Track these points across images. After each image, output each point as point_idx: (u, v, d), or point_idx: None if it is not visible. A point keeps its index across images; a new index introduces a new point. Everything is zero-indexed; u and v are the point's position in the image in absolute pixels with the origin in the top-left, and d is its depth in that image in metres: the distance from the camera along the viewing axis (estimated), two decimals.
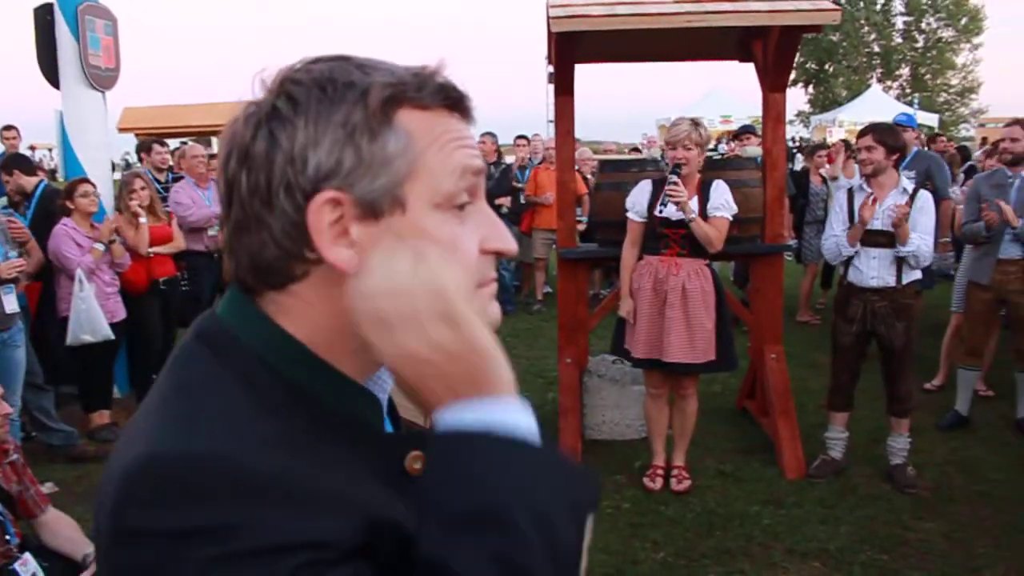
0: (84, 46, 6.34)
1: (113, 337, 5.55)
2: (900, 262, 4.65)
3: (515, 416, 0.81)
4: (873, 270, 4.70)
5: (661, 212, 4.49)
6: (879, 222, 4.67)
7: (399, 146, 0.83)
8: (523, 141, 10.42)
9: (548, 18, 4.81)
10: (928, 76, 42.42)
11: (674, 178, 4.44)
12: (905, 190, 4.69)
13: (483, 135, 9.88)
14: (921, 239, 4.58)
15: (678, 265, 4.57)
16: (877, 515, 4.49)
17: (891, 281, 4.68)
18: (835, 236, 4.85)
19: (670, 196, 4.40)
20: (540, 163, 10.12)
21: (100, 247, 5.54)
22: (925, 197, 4.72)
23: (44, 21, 6.32)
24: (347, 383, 0.89)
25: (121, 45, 6.85)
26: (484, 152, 9.56)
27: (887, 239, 4.65)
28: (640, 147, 18.37)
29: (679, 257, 4.59)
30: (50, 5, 6.31)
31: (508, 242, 0.91)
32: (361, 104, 0.82)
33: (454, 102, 0.88)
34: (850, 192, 4.91)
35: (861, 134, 4.87)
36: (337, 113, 0.82)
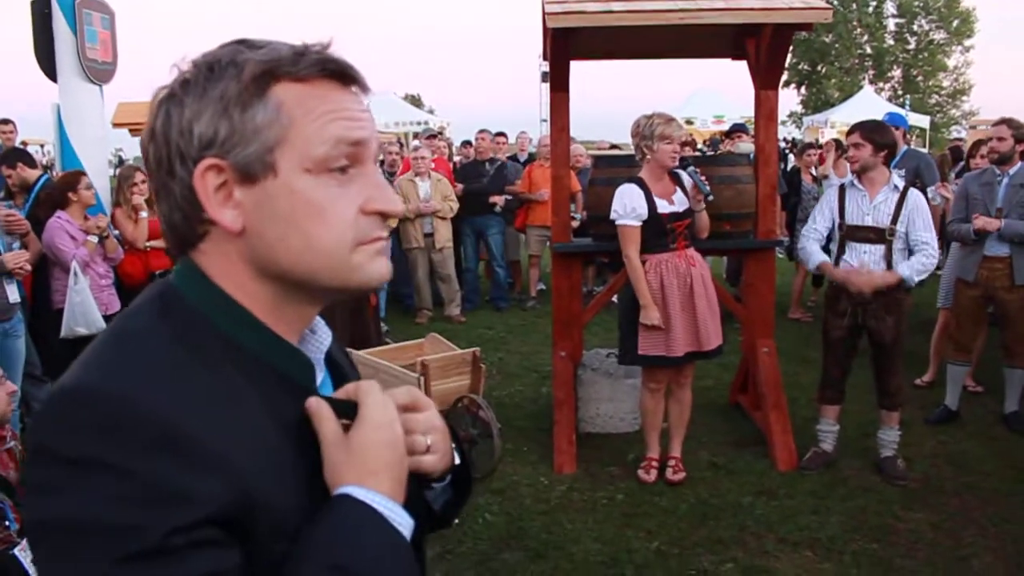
0: (81, 39, 6.36)
1: None
2: (890, 257, 4.71)
3: (403, 516, 0.95)
4: (864, 266, 4.75)
5: (708, 199, 4.63)
6: (870, 217, 4.74)
7: (268, 116, 0.92)
8: (502, 138, 10.48)
9: (544, 14, 4.87)
10: (920, 78, 42.60)
11: (697, 169, 4.63)
12: (896, 187, 4.75)
13: (479, 132, 9.93)
14: (923, 244, 4.67)
15: (692, 257, 4.67)
16: (867, 506, 4.56)
17: None
18: (812, 235, 4.92)
19: (706, 184, 4.57)
20: (527, 160, 10.19)
21: (94, 239, 5.56)
22: (915, 195, 4.77)
23: (41, 14, 6.33)
24: (280, 342, 0.98)
25: (118, 38, 6.88)
26: (481, 149, 9.63)
27: (877, 235, 4.71)
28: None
29: (687, 250, 4.67)
30: None
31: (390, 203, 0.98)
32: (236, 79, 0.92)
33: (336, 73, 0.96)
34: (842, 188, 4.95)
35: (849, 132, 4.95)
36: (215, 89, 0.92)
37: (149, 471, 0.80)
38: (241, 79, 0.91)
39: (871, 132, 4.76)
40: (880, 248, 4.72)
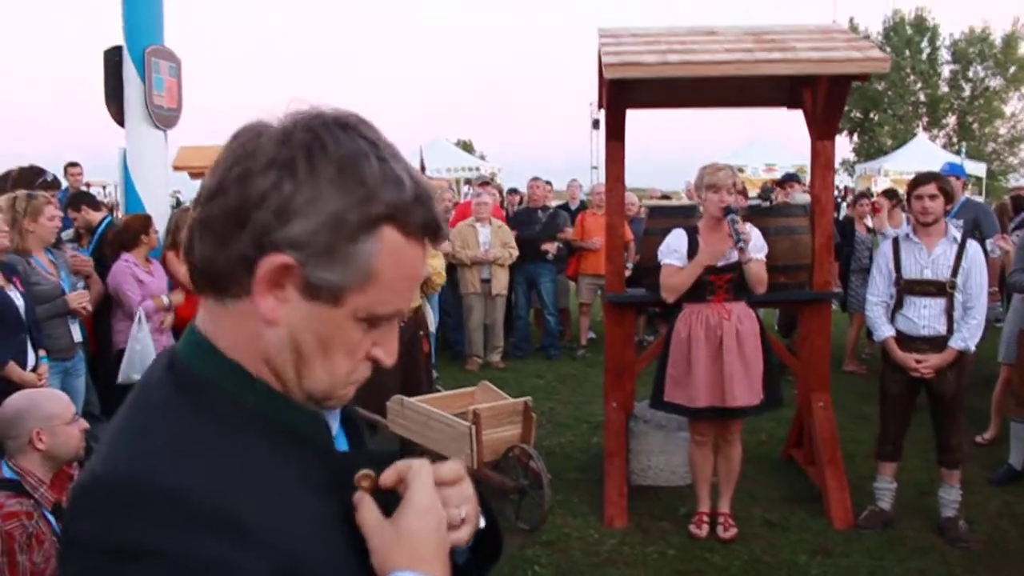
0: (149, 86, 6.56)
1: None
2: (951, 310, 4.62)
3: None
4: (924, 319, 4.66)
5: (738, 256, 4.48)
6: (929, 271, 4.66)
7: (365, 258, 0.91)
8: (548, 186, 10.43)
9: (601, 65, 4.91)
10: (975, 125, 42.01)
11: (737, 218, 4.47)
12: (955, 239, 4.68)
13: (532, 180, 9.99)
14: (970, 307, 4.59)
15: (728, 310, 4.58)
16: (927, 568, 4.42)
17: (942, 330, 4.64)
18: (877, 300, 4.84)
19: (743, 235, 4.42)
20: (578, 208, 10.20)
21: (165, 300, 5.65)
22: (975, 248, 4.69)
23: (113, 62, 6.56)
24: (292, 403, 0.97)
25: (184, 86, 7.08)
26: (535, 196, 9.69)
27: (937, 288, 4.63)
28: (682, 194, 18.41)
29: (726, 302, 4.61)
30: (119, 47, 6.56)
31: (391, 357, 1.00)
32: (359, 208, 0.89)
33: (432, 236, 0.96)
34: (895, 242, 4.87)
35: (921, 183, 4.77)
36: (336, 200, 0.89)
37: (193, 553, 0.80)
38: (365, 212, 0.90)
39: (944, 183, 4.70)
40: (941, 301, 4.64)
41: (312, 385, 0.96)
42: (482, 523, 1.15)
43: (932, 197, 4.66)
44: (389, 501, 0.99)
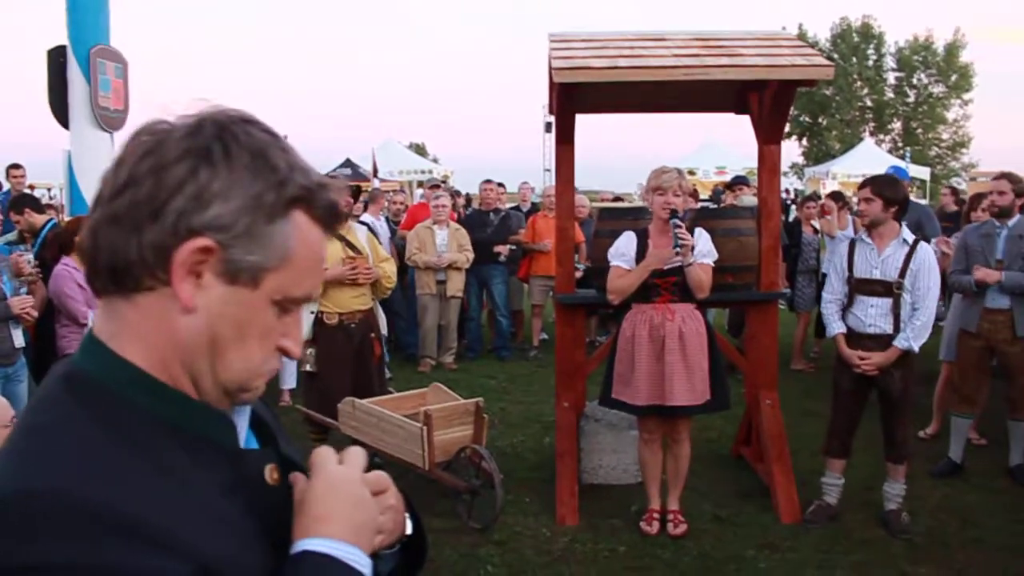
0: (95, 88, 6.47)
1: None
2: (897, 310, 4.74)
3: (361, 557, 0.99)
4: (870, 318, 4.78)
5: (676, 251, 4.53)
6: (878, 271, 4.77)
7: (282, 239, 0.94)
8: (501, 188, 10.43)
9: (551, 69, 4.95)
10: (920, 130, 43.02)
11: (679, 222, 4.52)
12: (906, 241, 4.79)
13: (484, 182, 10.01)
14: (916, 308, 4.71)
15: (672, 311, 4.65)
16: (872, 560, 4.52)
17: (888, 329, 4.76)
18: (832, 297, 4.96)
19: (681, 240, 4.47)
20: (530, 211, 10.25)
21: None
22: (926, 251, 4.80)
23: (57, 63, 6.46)
24: (196, 406, 0.97)
25: (130, 87, 7.00)
26: (487, 199, 9.72)
27: (885, 288, 4.75)
28: (634, 197, 18.60)
29: (671, 303, 4.67)
30: (63, 47, 6.46)
31: (297, 346, 1.02)
32: (276, 190, 0.93)
33: (333, 221, 1.01)
34: (852, 244, 5.00)
35: (860, 186, 4.98)
36: (255, 185, 0.92)
37: (108, 563, 0.79)
38: (282, 194, 0.94)
39: (882, 187, 4.80)
40: (887, 301, 4.76)
41: (227, 376, 0.96)
42: (409, 529, 1.19)
43: (867, 200, 4.81)
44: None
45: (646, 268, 4.61)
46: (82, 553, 0.78)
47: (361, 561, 0.97)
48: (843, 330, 4.89)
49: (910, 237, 4.83)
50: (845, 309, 4.91)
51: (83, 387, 0.92)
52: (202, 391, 0.97)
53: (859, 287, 4.84)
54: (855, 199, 6.39)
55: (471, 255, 8.92)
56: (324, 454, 1.04)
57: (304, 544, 0.95)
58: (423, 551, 1.23)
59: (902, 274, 4.72)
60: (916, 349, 4.74)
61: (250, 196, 0.92)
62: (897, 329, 4.74)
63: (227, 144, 0.93)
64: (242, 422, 1.05)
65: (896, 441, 4.89)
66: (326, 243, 1.02)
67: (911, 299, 4.73)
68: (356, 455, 1.08)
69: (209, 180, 0.91)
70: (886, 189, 4.79)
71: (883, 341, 4.75)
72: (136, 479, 0.85)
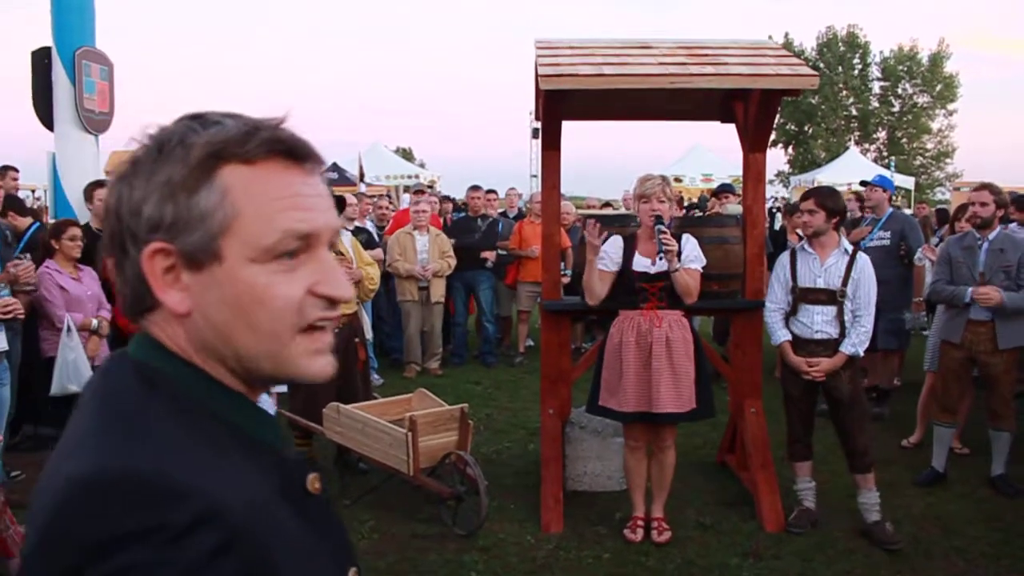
0: (80, 90, 6.45)
1: None
2: (841, 317, 4.85)
3: None
4: (817, 324, 4.91)
5: (656, 264, 4.59)
6: (821, 280, 4.89)
7: (212, 203, 0.91)
8: (492, 195, 10.39)
9: (537, 76, 4.96)
10: (904, 140, 43.24)
11: (663, 228, 4.54)
12: (846, 251, 4.92)
13: (471, 189, 10.01)
14: (858, 316, 4.83)
15: (660, 317, 4.66)
16: (854, 569, 4.54)
17: (834, 334, 4.87)
18: (775, 307, 5.05)
19: (665, 246, 4.49)
20: (517, 216, 10.25)
21: (94, 322, 5.53)
22: (864, 260, 4.91)
23: (41, 64, 6.42)
24: (253, 408, 0.99)
25: (116, 90, 6.96)
26: (476, 206, 9.72)
27: (828, 297, 4.87)
28: (621, 203, 18.64)
29: (659, 309, 4.69)
30: (48, 49, 6.42)
31: (340, 288, 0.97)
32: (183, 162, 0.91)
33: (287, 152, 0.95)
34: (792, 253, 5.08)
35: (804, 197, 5.13)
36: (163, 171, 0.92)
37: (199, 541, 0.80)
38: (188, 162, 0.91)
39: (825, 199, 4.94)
40: (832, 309, 4.87)
41: (249, 354, 0.95)
42: None
43: (811, 212, 4.91)
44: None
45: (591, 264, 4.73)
46: (179, 525, 0.80)
47: None
48: (788, 337, 5.00)
49: (849, 247, 4.97)
50: (788, 317, 5.01)
51: (150, 376, 0.94)
52: (247, 381, 0.98)
53: (803, 296, 4.95)
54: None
55: (453, 261, 8.90)
56: None
57: None
58: None
59: (844, 282, 4.85)
60: (861, 354, 4.89)
61: (162, 184, 0.91)
62: (842, 334, 4.86)
63: (135, 154, 0.95)
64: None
65: (856, 450, 4.92)
66: (299, 175, 0.95)
67: (852, 307, 4.86)
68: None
69: (131, 191, 0.93)
70: (828, 200, 4.94)
71: (830, 345, 4.88)
72: (217, 468, 0.87)
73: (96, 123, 6.65)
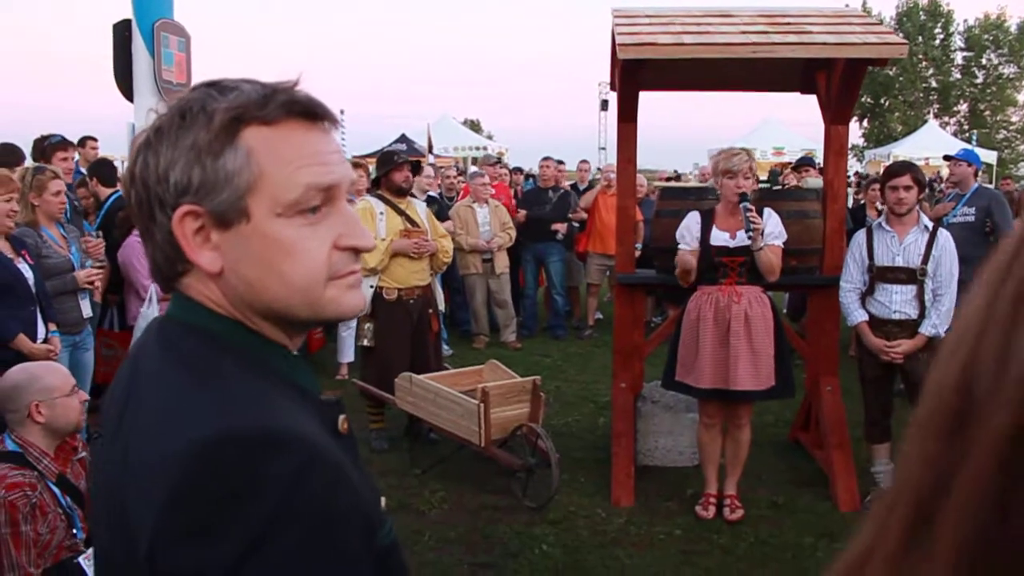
0: (158, 61, 6.53)
1: None
2: (922, 296, 4.70)
3: None
4: (896, 304, 4.76)
5: (751, 244, 4.47)
6: (900, 258, 4.73)
7: (238, 164, 0.95)
8: (562, 166, 10.28)
9: (615, 45, 4.88)
10: (987, 112, 41.73)
11: (750, 206, 4.43)
12: (926, 227, 4.76)
13: (543, 160, 9.95)
14: (939, 295, 4.66)
15: (739, 293, 4.57)
16: None
17: (913, 315, 4.72)
18: (850, 286, 4.90)
19: (753, 224, 4.39)
20: (586, 189, 10.17)
21: None
22: (945, 237, 4.75)
23: (122, 36, 6.53)
24: (294, 358, 1.05)
25: (192, 62, 7.05)
26: (545, 177, 9.68)
27: (908, 275, 4.71)
28: (692, 176, 18.39)
29: (738, 285, 4.59)
30: (128, 21, 6.52)
31: (362, 239, 1.02)
32: (206, 127, 0.95)
33: (304, 113, 0.99)
34: (869, 230, 4.93)
35: (895, 174, 4.85)
36: (188, 137, 0.96)
37: (313, 477, 0.87)
38: (211, 127, 0.95)
39: (918, 173, 4.78)
40: (911, 288, 4.72)
41: (283, 305, 0.99)
42: None
43: (907, 188, 4.72)
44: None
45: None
46: (292, 473, 0.86)
47: None
48: (865, 318, 4.85)
49: (929, 224, 4.80)
50: (866, 296, 4.86)
51: (213, 337, 1.00)
52: (285, 330, 1.04)
53: (881, 275, 4.80)
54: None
55: (513, 233, 8.89)
56: None
57: None
58: None
59: (925, 260, 4.69)
60: (943, 335, 4.67)
61: (187, 149, 0.95)
62: (922, 314, 4.70)
63: (160, 122, 0.98)
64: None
65: None
66: (320, 134, 1.01)
67: (932, 285, 4.69)
68: None
69: (157, 159, 0.97)
70: (920, 175, 4.80)
71: (909, 326, 4.73)
72: (295, 416, 0.93)
73: (174, 94, 6.71)
